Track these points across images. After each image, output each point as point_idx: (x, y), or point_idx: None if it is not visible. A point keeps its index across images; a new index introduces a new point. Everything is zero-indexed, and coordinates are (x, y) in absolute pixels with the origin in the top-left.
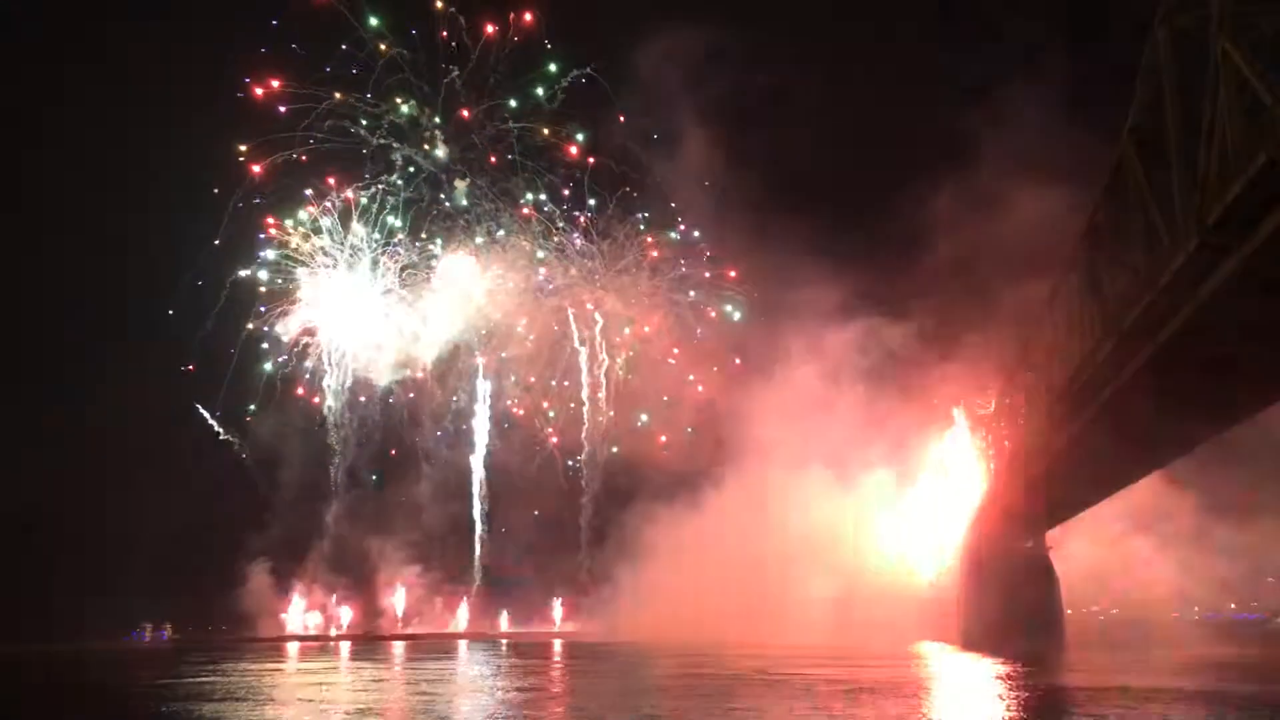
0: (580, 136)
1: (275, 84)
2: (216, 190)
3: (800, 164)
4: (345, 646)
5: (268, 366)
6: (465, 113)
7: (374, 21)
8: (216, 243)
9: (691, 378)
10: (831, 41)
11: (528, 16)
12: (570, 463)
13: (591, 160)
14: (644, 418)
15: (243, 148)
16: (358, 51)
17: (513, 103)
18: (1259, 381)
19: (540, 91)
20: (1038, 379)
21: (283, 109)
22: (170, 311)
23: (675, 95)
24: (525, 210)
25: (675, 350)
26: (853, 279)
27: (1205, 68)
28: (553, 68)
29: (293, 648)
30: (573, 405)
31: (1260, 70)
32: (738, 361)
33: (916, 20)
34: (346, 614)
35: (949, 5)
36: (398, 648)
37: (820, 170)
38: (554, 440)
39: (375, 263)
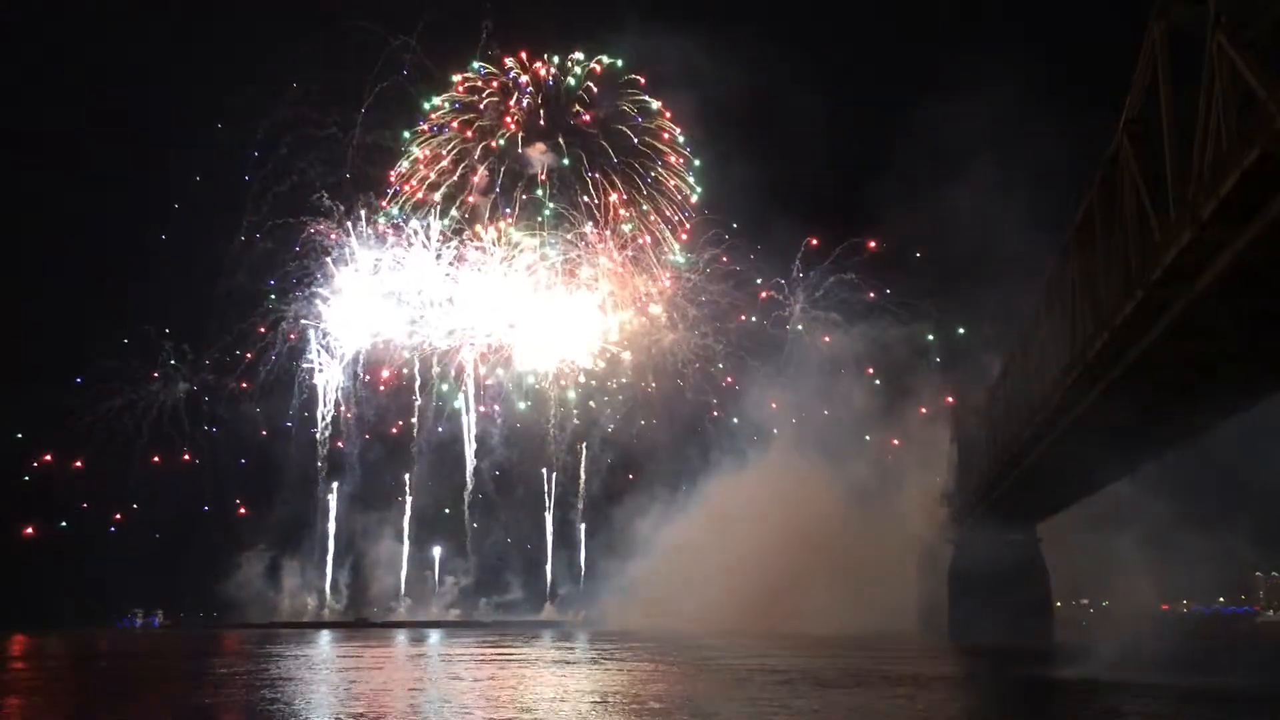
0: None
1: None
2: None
3: (795, 169)
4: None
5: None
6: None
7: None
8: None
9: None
10: (822, 39)
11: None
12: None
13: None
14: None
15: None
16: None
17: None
18: (1253, 376)
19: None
20: (1031, 373)
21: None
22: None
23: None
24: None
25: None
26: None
27: (1200, 61)
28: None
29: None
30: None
31: (1254, 64)
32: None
33: (909, 12)
34: (340, 600)
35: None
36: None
37: (819, 175)
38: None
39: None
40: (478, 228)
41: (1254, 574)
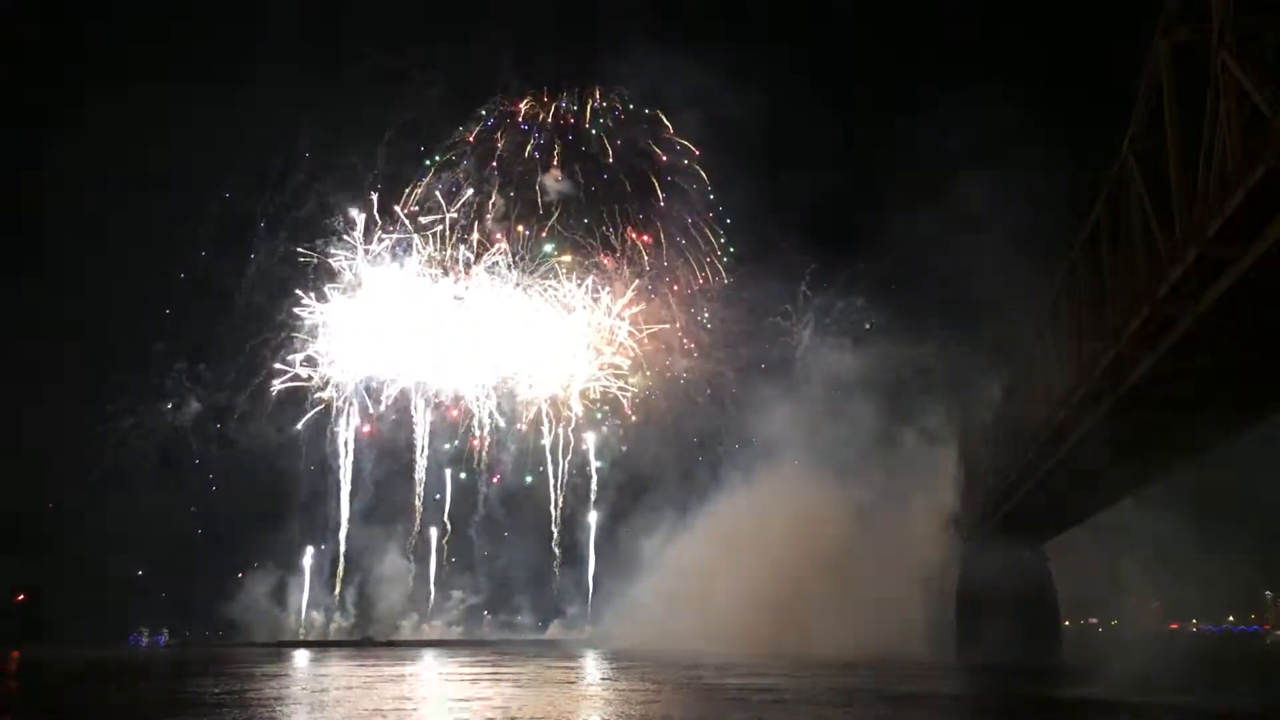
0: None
1: None
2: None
3: (799, 194)
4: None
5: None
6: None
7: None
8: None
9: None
10: (825, 58)
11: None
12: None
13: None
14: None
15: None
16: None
17: None
18: (1259, 393)
19: None
20: (1036, 391)
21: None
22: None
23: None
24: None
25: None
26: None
27: (1205, 79)
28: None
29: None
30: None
31: (1260, 82)
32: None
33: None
34: (346, 617)
35: (943, 18)
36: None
37: (819, 196)
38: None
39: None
40: (478, 235)
41: (1263, 593)
